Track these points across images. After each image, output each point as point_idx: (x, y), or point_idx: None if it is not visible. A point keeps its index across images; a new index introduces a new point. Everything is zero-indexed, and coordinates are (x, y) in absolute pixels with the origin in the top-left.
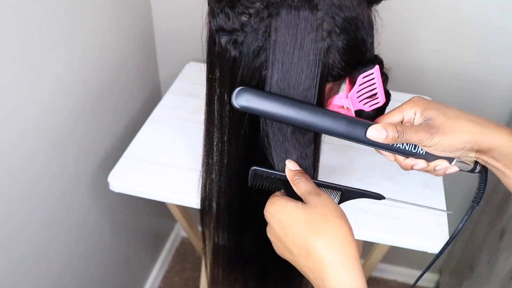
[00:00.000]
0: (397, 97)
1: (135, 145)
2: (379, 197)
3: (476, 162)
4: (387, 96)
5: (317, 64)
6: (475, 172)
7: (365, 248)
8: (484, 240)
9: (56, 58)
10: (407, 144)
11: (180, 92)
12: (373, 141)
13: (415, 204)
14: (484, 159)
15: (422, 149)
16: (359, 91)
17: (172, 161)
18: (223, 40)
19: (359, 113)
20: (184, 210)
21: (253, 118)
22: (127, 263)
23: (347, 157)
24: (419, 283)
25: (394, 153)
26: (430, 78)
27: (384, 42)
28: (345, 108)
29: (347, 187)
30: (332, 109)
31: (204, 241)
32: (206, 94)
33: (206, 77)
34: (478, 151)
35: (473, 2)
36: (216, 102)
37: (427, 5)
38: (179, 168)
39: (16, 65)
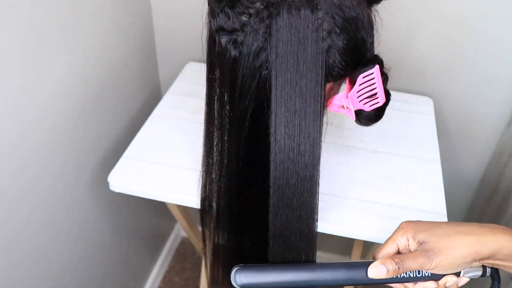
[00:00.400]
0: (397, 97)
1: (135, 145)
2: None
3: (484, 267)
4: (387, 96)
5: (320, 65)
6: (487, 276)
7: (365, 248)
8: None
9: (56, 58)
10: (411, 272)
11: (180, 92)
12: (377, 279)
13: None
14: (489, 262)
15: (426, 272)
16: (359, 91)
17: (172, 161)
18: (223, 40)
19: (359, 112)
20: (184, 210)
21: (253, 118)
22: (127, 263)
23: (347, 157)
24: None
25: (402, 283)
26: (430, 78)
27: (384, 42)
28: (345, 107)
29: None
30: (332, 110)
31: (204, 241)
32: (206, 94)
33: (206, 77)
34: (480, 259)
35: (472, 1)
36: (216, 102)
37: (427, 4)
38: (179, 168)
39: (16, 65)
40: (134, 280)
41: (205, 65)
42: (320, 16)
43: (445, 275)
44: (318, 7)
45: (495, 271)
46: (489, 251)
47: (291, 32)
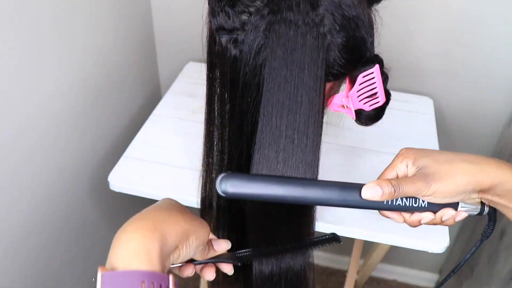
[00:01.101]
0: (396, 97)
1: (135, 145)
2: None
3: (482, 204)
4: (387, 96)
5: (320, 61)
6: (484, 215)
7: (365, 248)
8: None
9: (55, 58)
10: (407, 200)
11: (180, 92)
12: (371, 203)
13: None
14: (487, 198)
15: (423, 202)
16: (359, 90)
17: (172, 161)
18: (224, 39)
19: (359, 112)
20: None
21: (254, 117)
22: None
23: (347, 157)
24: (419, 283)
25: (399, 212)
26: (430, 78)
27: (384, 42)
28: (345, 107)
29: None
30: (332, 109)
31: None
32: (206, 93)
33: (206, 77)
34: (480, 191)
35: (472, 1)
36: (216, 102)
37: (427, 4)
38: (179, 168)
39: (16, 65)
40: None
41: (205, 64)
42: (320, 12)
43: (443, 207)
44: (319, 3)
45: (493, 210)
46: (491, 183)
47: (290, 27)
